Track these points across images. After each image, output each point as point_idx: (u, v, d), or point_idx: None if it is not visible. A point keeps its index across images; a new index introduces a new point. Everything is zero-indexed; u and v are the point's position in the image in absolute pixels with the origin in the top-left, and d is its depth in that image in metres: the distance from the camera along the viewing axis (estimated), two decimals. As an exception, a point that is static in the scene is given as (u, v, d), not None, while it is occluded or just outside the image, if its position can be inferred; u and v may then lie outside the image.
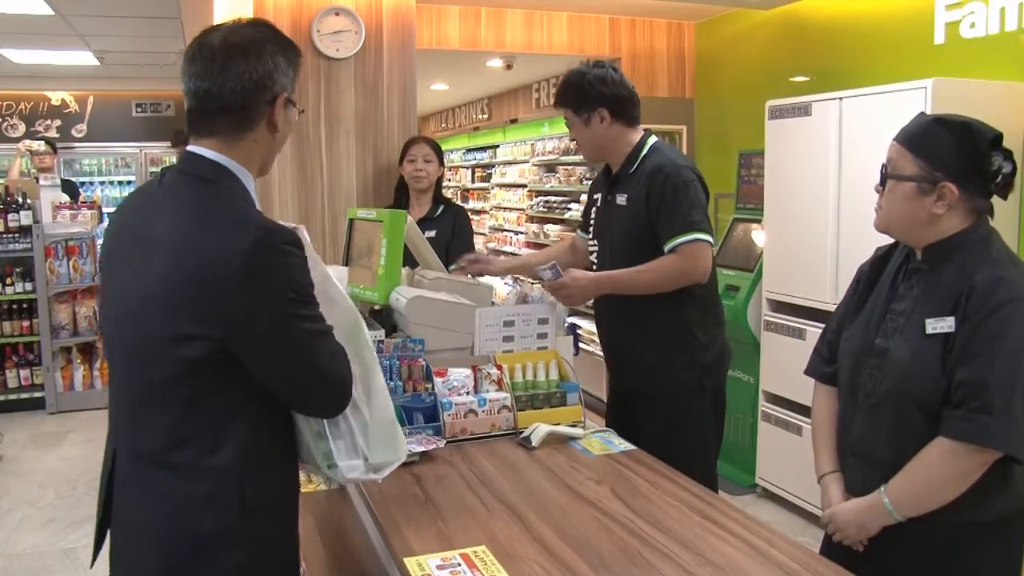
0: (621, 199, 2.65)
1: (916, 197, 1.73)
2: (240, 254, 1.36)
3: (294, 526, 1.63)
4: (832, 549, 1.86)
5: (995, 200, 1.77)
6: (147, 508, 1.49)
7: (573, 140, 2.81)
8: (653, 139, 2.69)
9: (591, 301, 2.81)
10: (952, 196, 1.70)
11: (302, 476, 2.51)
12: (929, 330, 1.71)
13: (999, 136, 1.72)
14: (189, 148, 1.52)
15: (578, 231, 3.00)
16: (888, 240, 1.93)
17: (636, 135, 2.69)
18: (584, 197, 6.59)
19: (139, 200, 1.58)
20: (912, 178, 1.73)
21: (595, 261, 2.81)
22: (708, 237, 2.52)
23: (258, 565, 1.52)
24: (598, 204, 2.80)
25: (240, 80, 1.47)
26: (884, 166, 1.80)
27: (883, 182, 1.80)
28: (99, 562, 1.67)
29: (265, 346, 1.43)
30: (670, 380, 2.61)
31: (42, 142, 7.03)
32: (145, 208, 1.53)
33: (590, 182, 6.53)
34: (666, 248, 2.51)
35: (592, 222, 2.83)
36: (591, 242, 2.83)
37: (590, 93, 2.64)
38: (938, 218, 1.73)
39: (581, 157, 6.65)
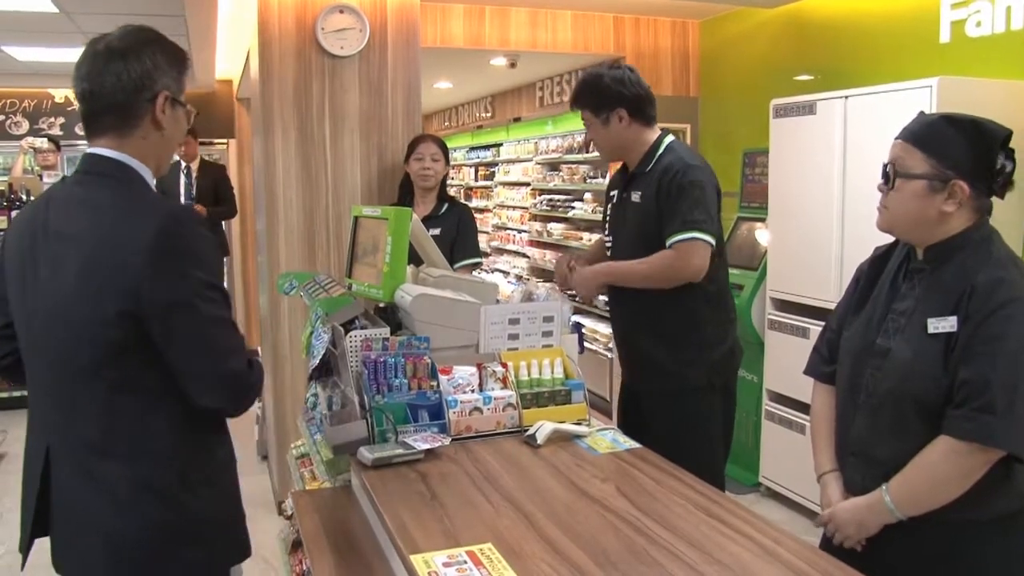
0: (635, 196, 2.68)
1: (926, 195, 1.73)
2: (152, 231, 1.47)
3: (236, 498, 1.73)
4: (830, 549, 1.85)
5: (996, 200, 1.77)
6: (92, 502, 1.55)
7: (590, 140, 2.83)
8: (669, 138, 2.71)
9: (605, 300, 2.85)
10: (963, 194, 1.70)
11: (306, 473, 2.52)
12: (931, 330, 1.71)
13: (1009, 135, 1.72)
14: (88, 150, 1.61)
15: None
16: (888, 239, 1.93)
17: (653, 134, 2.71)
18: (588, 195, 6.62)
19: (45, 206, 1.63)
20: (922, 176, 1.72)
21: (610, 256, 2.84)
22: (706, 237, 2.52)
23: (207, 544, 1.60)
24: (614, 200, 2.82)
25: (119, 79, 1.56)
26: (887, 165, 1.79)
27: (888, 181, 1.79)
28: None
29: (170, 319, 1.50)
30: (679, 377, 2.63)
31: (45, 139, 7.03)
32: (57, 211, 1.59)
33: (594, 180, 6.57)
34: (667, 245, 2.54)
35: (608, 218, 2.85)
36: (607, 238, 2.86)
37: (609, 94, 2.66)
38: (947, 216, 1.73)
39: (584, 155, 6.66)
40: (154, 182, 1.64)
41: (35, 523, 1.64)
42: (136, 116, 1.59)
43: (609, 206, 2.87)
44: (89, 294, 1.49)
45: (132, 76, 1.56)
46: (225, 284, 1.70)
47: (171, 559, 1.58)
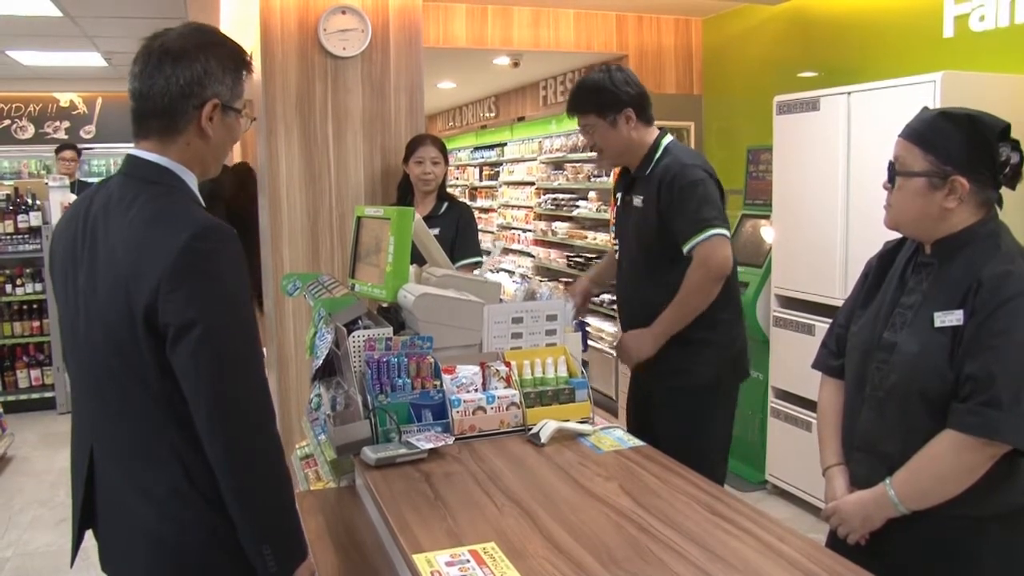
0: (637, 200, 2.70)
1: (927, 192, 1.72)
2: (178, 244, 1.41)
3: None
4: (836, 543, 1.85)
5: (1005, 192, 1.76)
6: (135, 505, 1.53)
7: (591, 146, 2.79)
8: (668, 139, 2.70)
9: (616, 298, 2.87)
10: (963, 189, 1.70)
11: (311, 474, 2.52)
12: (937, 323, 1.71)
13: (1007, 127, 1.71)
14: (130, 151, 1.57)
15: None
16: (897, 234, 1.92)
17: (652, 134, 2.71)
18: (592, 194, 6.61)
19: (88, 207, 1.60)
20: (922, 174, 1.72)
21: (619, 260, 2.85)
22: (722, 231, 2.53)
23: (230, 547, 1.54)
24: (619, 204, 2.82)
25: (167, 84, 1.51)
26: (891, 163, 1.80)
27: (891, 179, 1.79)
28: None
29: (178, 341, 1.42)
30: (688, 375, 2.64)
31: (70, 149, 7.08)
32: (96, 213, 1.56)
33: (598, 179, 6.56)
34: (684, 251, 2.54)
35: (615, 222, 2.86)
36: (614, 242, 2.87)
37: (616, 95, 2.64)
38: (950, 212, 1.72)
39: (588, 154, 6.65)
40: (196, 184, 1.58)
41: (82, 518, 1.64)
42: (181, 122, 1.54)
43: (615, 209, 2.87)
44: (119, 302, 1.45)
45: (180, 81, 1.51)
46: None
47: (212, 568, 1.55)
